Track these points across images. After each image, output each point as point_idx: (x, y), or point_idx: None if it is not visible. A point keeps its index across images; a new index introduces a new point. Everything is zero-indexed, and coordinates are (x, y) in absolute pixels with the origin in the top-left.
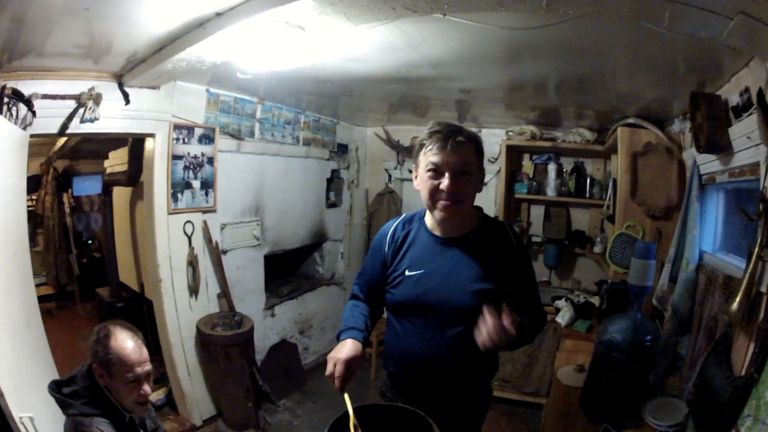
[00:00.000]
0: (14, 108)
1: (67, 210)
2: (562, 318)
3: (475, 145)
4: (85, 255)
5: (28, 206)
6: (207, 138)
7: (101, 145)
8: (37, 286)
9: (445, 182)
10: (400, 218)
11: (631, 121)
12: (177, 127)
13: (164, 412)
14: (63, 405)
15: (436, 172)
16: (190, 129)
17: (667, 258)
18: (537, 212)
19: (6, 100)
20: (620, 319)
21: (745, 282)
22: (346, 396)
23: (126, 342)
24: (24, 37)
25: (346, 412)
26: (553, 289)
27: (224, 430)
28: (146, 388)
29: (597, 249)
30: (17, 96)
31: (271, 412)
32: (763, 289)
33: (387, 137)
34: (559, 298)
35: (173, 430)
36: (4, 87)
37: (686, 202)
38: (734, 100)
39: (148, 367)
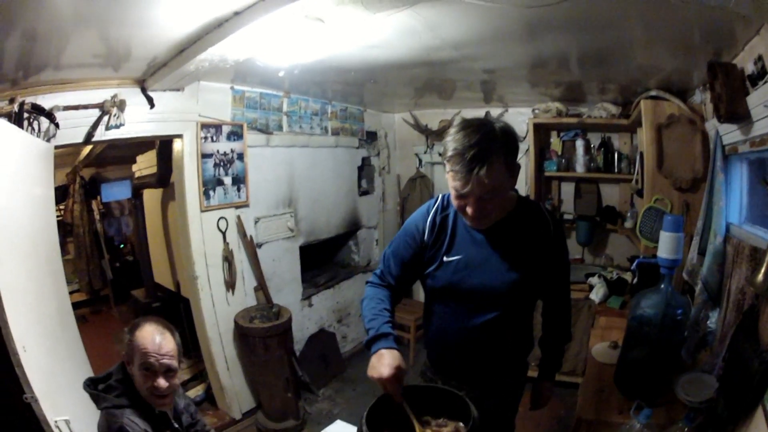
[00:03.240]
0: (35, 122)
1: (97, 216)
2: (596, 295)
3: (504, 159)
4: (117, 259)
5: (57, 216)
6: (235, 134)
7: (127, 150)
8: (71, 293)
9: (469, 208)
10: (437, 201)
11: (653, 93)
12: (204, 126)
13: (203, 407)
14: (96, 399)
15: (461, 196)
16: (217, 127)
17: (695, 231)
18: (567, 189)
19: (26, 115)
20: (652, 294)
21: None
22: (406, 405)
23: (149, 333)
24: (38, 53)
25: (380, 399)
26: (586, 266)
27: (264, 422)
28: (160, 381)
29: (628, 224)
30: (37, 110)
31: (311, 402)
32: None
33: (415, 122)
34: (592, 275)
35: (212, 425)
36: (22, 103)
37: (711, 173)
38: (749, 68)
39: (166, 360)
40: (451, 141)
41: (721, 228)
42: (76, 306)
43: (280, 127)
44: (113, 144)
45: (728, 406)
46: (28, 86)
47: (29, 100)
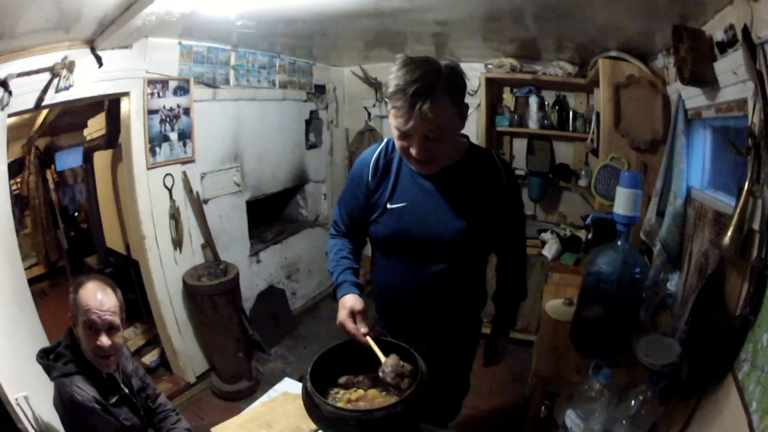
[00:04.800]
0: None
1: (52, 186)
2: (549, 251)
3: (450, 95)
4: (72, 228)
5: (14, 190)
6: (182, 89)
7: (80, 116)
8: (29, 267)
9: (413, 149)
10: (382, 144)
11: (613, 54)
12: (151, 83)
13: (159, 373)
14: (47, 369)
15: (404, 136)
16: (164, 83)
17: (654, 192)
18: (520, 145)
19: None
20: (608, 250)
21: (736, 217)
22: (369, 340)
23: (91, 290)
24: None
25: (327, 351)
26: (538, 223)
27: (218, 384)
28: (103, 339)
29: (582, 182)
30: None
31: (263, 361)
32: (755, 226)
33: (364, 75)
34: (544, 230)
35: (168, 390)
36: None
37: (672, 136)
38: (718, 36)
39: (107, 317)
40: (393, 78)
41: (682, 191)
42: (35, 281)
43: (227, 81)
44: (66, 110)
45: (693, 371)
46: None
47: None
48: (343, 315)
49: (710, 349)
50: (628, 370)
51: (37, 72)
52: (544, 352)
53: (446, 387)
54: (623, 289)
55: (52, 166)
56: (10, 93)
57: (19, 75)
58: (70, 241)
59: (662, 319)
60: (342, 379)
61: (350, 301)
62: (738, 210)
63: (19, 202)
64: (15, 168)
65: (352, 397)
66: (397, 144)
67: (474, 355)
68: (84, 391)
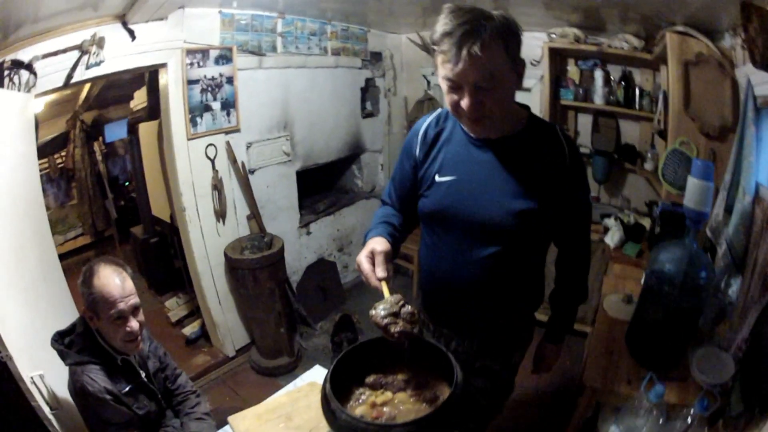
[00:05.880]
0: (16, 77)
1: (99, 158)
2: (611, 239)
3: (502, 41)
4: (123, 198)
5: (59, 163)
6: (224, 58)
7: (127, 88)
8: (75, 237)
9: (464, 101)
10: (435, 113)
11: (679, 28)
12: (190, 53)
13: (199, 345)
14: (62, 355)
15: (454, 86)
16: (204, 52)
17: (722, 184)
18: (584, 121)
19: (7, 72)
20: (674, 248)
21: None
22: (384, 284)
23: (108, 278)
24: (15, 12)
25: (356, 347)
26: (601, 206)
27: (257, 359)
28: (133, 323)
29: (648, 166)
30: (17, 65)
31: (308, 337)
32: None
33: (422, 42)
34: (607, 216)
35: (206, 363)
36: (2, 63)
37: (741, 124)
38: None
39: (133, 300)
40: (440, 24)
41: (750, 187)
42: (80, 250)
43: (273, 49)
44: (111, 84)
45: (744, 399)
46: (7, 45)
47: (9, 57)
48: (361, 254)
49: (763, 378)
50: (679, 384)
51: (64, 51)
52: (597, 354)
53: (487, 389)
54: (686, 294)
55: (100, 138)
56: (35, 75)
57: (45, 56)
58: (120, 210)
59: (720, 329)
60: (369, 379)
61: (373, 241)
62: None
63: (65, 175)
64: (59, 142)
65: (378, 401)
66: (447, 100)
67: (522, 358)
68: (95, 381)
